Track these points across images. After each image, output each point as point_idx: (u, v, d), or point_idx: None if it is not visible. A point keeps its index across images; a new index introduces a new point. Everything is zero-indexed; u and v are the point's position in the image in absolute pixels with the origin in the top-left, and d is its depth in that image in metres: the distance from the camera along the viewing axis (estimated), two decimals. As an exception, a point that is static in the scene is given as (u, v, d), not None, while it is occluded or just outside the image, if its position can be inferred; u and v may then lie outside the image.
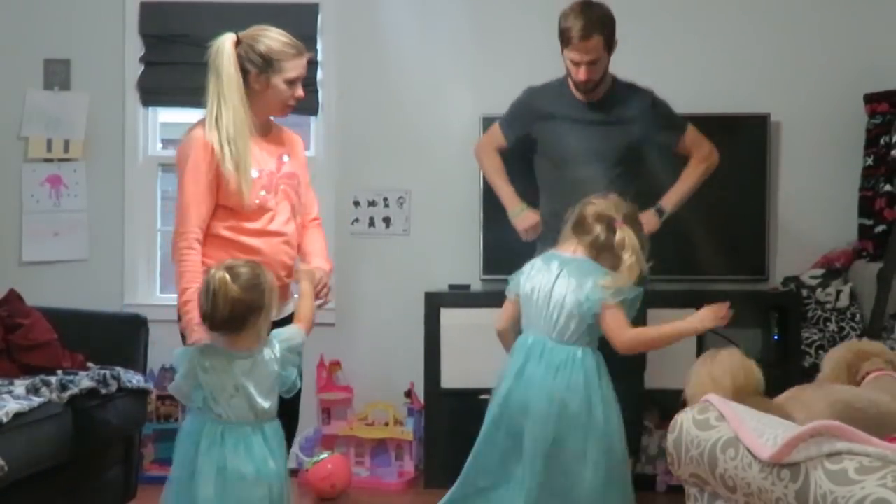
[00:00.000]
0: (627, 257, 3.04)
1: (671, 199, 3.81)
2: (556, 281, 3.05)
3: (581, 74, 3.60)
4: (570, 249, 3.13)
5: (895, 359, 2.89)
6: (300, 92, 3.10)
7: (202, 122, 3.05)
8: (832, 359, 2.96)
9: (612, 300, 3.00)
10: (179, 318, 3.01)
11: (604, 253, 3.09)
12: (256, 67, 3.02)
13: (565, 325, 3.03)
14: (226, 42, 3.03)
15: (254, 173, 3.02)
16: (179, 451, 2.84)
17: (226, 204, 3.03)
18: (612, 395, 3.07)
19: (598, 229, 3.08)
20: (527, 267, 3.18)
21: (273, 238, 3.08)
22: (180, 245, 3.00)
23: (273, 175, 3.09)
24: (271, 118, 3.20)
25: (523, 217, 3.73)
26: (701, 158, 3.83)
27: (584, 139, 3.71)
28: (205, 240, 3.05)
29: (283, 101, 3.07)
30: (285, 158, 3.16)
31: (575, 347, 3.03)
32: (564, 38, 3.58)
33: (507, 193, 3.85)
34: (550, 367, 3.01)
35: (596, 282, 3.02)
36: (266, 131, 3.14)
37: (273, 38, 3.05)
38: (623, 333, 3.04)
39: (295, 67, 3.05)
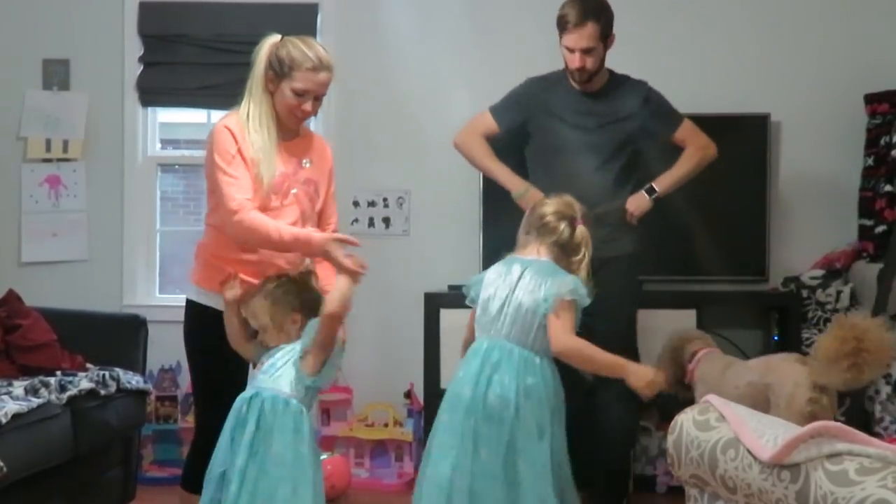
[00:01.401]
0: (584, 252, 3.04)
1: (664, 181, 3.76)
2: (517, 284, 2.99)
3: (576, 61, 3.61)
4: (534, 251, 3.07)
5: (711, 342, 3.28)
6: (308, 106, 3.04)
7: (232, 113, 3.06)
8: (661, 352, 3.24)
9: (567, 297, 2.92)
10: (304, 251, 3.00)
11: (564, 252, 3.06)
12: (273, 69, 3.03)
13: (521, 327, 2.95)
14: (267, 41, 3.06)
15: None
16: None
17: None
18: (562, 408, 2.99)
19: (562, 227, 3.06)
20: (488, 273, 3.09)
21: None
22: (240, 217, 2.91)
23: (287, 177, 3.06)
24: (304, 125, 3.19)
25: (529, 197, 3.58)
26: (698, 147, 3.81)
27: (582, 131, 3.71)
28: (206, 230, 3.05)
29: (288, 108, 3.04)
30: (305, 164, 3.13)
31: (531, 353, 2.94)
32: (561, 25, 3.63)
33: (505, 174, 3.76)
34: (508, 371, 2.92)
35: (555, 282, 2.95)
36: (290, 136, 3.12)
37: (300, 47, 3.02)
38: (566, 337, 2.92)
39: (305, 80, 3.00)
